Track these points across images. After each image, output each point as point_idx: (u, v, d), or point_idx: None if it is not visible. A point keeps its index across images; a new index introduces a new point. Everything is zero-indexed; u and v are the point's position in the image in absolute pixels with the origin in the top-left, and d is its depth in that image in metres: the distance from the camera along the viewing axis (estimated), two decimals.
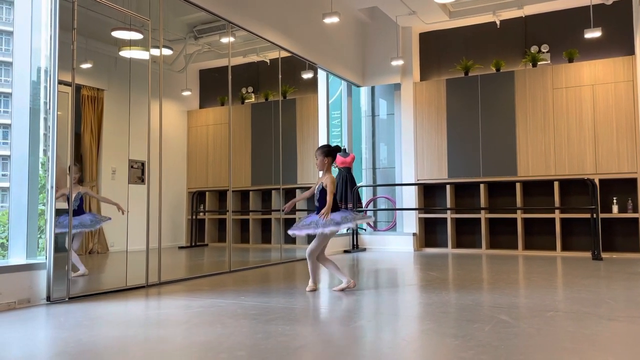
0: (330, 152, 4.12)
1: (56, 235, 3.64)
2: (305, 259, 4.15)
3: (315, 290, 4.02)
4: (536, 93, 7.19)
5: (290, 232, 4.08)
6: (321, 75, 7.60)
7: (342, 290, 3.98)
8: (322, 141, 7.72)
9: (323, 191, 4.03)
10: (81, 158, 3.97)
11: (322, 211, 3.92)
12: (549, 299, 3.52)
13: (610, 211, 6.76)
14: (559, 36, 7.42)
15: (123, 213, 4.19)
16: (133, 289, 4.16)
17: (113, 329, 2.80)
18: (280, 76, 6.39)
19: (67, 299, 3.67)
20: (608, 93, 6.79)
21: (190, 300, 3.67)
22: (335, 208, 4.03)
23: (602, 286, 4.08)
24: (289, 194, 6.33)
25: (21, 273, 3.48)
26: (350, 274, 5.08)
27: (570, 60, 7.09)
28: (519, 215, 7.11)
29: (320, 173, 4.14)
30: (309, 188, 4.20)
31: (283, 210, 4.14)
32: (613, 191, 6.82)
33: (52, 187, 3.64)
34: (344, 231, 8.01)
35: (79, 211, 3.90)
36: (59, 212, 3.68)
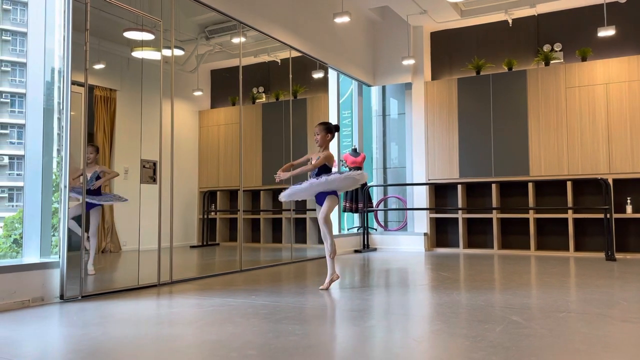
0: (331, 129, 4.20)
1: (70, 234, 3.68)
2: (315, 257, 4.15)
3: (336, 278, 4.07)
4: (549, 92, 7.13)
5: (281, 197, 4.10)
6: (332, 74, 7.60)
7: (329, 285, 4.05)
8: (333, 141, 7.68)
9: (322, 165, 4.10)
10: (96, 158, 4.00)
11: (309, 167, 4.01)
12: (562, 300, 3.49)
13: (624, 211, 6.68)
14: (572, 35, 7.35)
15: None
16: (145, 288, 4.20)
17: (125, 327, 2.82)
18: (291, 76, 6.40)
19: (80, 297, 3.70)
20: (622, 92, 6.71)
21: (201, 299, 3.69)
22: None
23: (615, 287, 4.04)
24: None
25: (35, 271, 3.52)
26: (360, 274, 5.08)
27: (584, 59, 7.03)
28: (532, 215, 7.06)
29: (319, 149, 4.20)
30: None
31: (277, 176, 4.16)
32: (627, 191, 6.75)
33: (65, 187, 3.68)
34: (355, 230, 8.03)
35: (96, 191, 3.94)
36: (75, 191, 3.74)
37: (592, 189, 6.95)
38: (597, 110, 6.84)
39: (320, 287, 4.07)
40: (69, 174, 3.70)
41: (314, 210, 6.76)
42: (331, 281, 4.08)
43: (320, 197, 4.12)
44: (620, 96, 6.72)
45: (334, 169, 7.44)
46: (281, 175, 4.10)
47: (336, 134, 4.33)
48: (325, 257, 4.13)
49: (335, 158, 7.82)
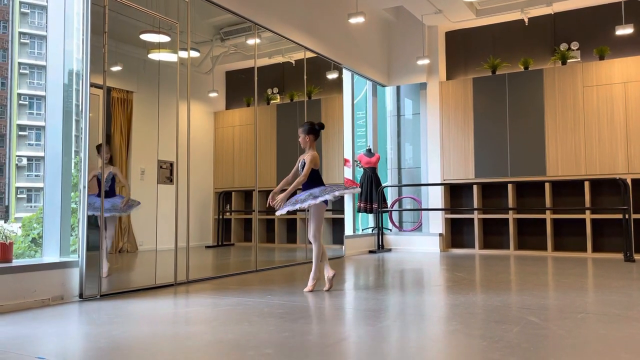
0: (312, 130, 4.16)
1: (88, 234, 3.73)
2: (329, 258, 4.15)
3: (318, 279, 4.06)
4: (566, 91, 7.05)
5: (277, 213, 4.10)
6: (346, 75, 7.60)
7: (312, 289, 4.01)
8: (348, 141, 7.72)
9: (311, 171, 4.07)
10: (111, 158, 4.05)
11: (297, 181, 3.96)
12: (580, 301, 3.45)
13: None
14: (589, 33, 7.27)
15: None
16: (162, 287, 4.24)
17: (143, 325, 2.85)
18: (305, 77, 6.42)
19: (98, 296, 3.75)
20: None
21: (217, 298, 3.72)
22: (319, 183, 4.08)
23: (634, 288, 3.99)
24: None
25: (55, 271, 3.57)
26: (375, 275, 5.08)
27: (601, 58, 6.94)
28: (548, 216, 6.99)
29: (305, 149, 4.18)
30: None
31: (272, 205, 4.14)
32: None
33: (84, 187, 3.73)
34: (369, 231, 8.02)
35: (110, 192, 3.95)
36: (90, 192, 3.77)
37: (610, 189, 6.86)
38: (615, 110, 6.75)
39: (305, 289, 4.03)
40: (87, 177, 3.75)
41: (329, 210, 6.75)
42: (315, 284, 4.05)
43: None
44: (638, 95, 6.63)
45: (348, 168, 7.42)
46: (278, 201, 4.02)
47: (321, 132, 4.27)
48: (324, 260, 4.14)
49: (350, 158, 7.82)
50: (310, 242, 4.15)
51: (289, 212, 4.07)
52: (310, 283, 4.03)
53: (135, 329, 2.76)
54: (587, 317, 2.94)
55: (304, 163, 4.10)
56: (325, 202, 4.04)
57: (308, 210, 4.23)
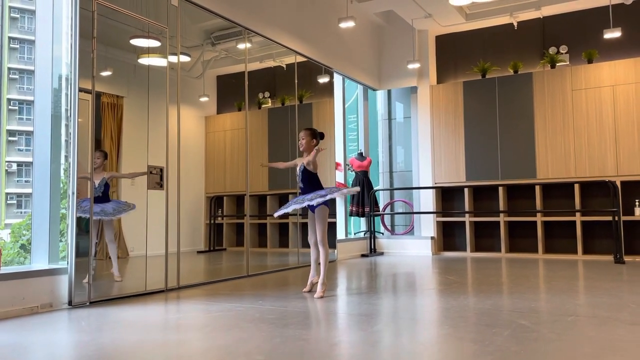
0: (316, 135, 4.19)
1: (77, 240, 3.70)
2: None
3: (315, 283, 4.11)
4: (555, 95, 7.10)
5: (275, 214, 4.15)
6: (337, 79, 7.61)
7: (311, 288, 4.10)
8: (339, 145, 7.73)
9: (305, 171, 4.09)
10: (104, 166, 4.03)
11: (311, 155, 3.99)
12: (570, 304, 3.47)
13: (632, 214, 6.64)
14: (578, 37, 7.33)
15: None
16: (152, 294, 4.21)
17: (133, 333, 2.83)
18: (296, 81, 6.42)
19: (88, 304, 3.72)
20: (629, 93, 6.68)
21: (208, 304, 3.70)
22: (318, 187, 4.11)
23: (624, 290, 4.01)
24: None
25: (43, 278, 3.54)
26: (367, 278, 5.07)
27: (590, 61, 7.00)
28: (539, 218, 7.02)
29: (304, 154, 4.20)
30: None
31: (262, 165, 4.26)
32: (635, 193, 6.70)
33: (73, 193, 3.70)
34: (361, 235, 8.02)
35: (103, 198, 3.94)
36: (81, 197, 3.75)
37: (600, 192, 6.91)
38: (604, 112, 6.81)
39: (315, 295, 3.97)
40: (76, 181, 3.72)
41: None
42: (325, 289, 4.04)
43: (312, 205, 4.11)
44: (627, 98, 6.69)
45: (340, 172, 7.42)
46: (264, 163, 4.20)
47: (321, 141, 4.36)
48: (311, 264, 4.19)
49: (342, 162, 7.82)
50: (309, 246, 4.22)
51: (280, 217, 4.08)
52: (319, 289, 3.95)
53: (125, 337, 2.74)
54: (577, 320, 2.96)
55: (303, 167, 4.10)
56: (327, 205, 4.07)
57: (300, 214, 4.24)
